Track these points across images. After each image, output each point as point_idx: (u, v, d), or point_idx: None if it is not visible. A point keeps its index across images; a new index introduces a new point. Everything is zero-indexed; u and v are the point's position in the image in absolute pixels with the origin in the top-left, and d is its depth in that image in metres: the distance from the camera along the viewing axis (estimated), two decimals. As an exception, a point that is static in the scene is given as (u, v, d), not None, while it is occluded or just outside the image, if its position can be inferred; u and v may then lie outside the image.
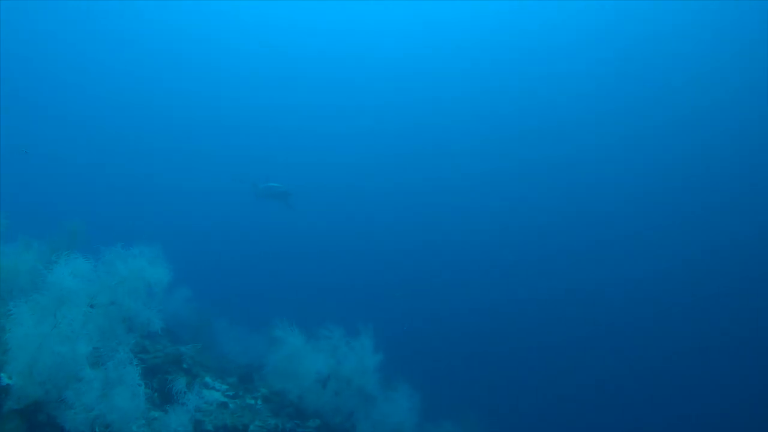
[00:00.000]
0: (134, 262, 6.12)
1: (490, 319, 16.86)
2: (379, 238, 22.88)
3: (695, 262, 22.74)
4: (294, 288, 16.28)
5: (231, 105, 34.06)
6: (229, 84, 35.09)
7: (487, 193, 28.34)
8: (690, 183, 27.55)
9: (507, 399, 12.52)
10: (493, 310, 17.53)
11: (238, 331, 10.71)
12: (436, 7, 33.53)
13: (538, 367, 14.90)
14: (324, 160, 28.11)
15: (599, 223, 25.63)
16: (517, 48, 33.39)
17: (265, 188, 13.14)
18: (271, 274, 18.05)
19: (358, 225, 22.50)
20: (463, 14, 33.48)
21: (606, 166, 29.33)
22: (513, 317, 17.21)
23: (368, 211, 25.20)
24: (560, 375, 14.65)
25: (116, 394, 4.96)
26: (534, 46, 33.11)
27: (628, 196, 27.51)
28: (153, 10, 33.14)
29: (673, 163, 28.64)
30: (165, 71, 34.38)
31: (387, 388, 8.58)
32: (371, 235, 22.83)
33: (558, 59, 33.03)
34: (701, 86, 29.79)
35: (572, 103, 32.14)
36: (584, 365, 15.36)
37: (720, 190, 26.78)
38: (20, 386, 4.58)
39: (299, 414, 7.78)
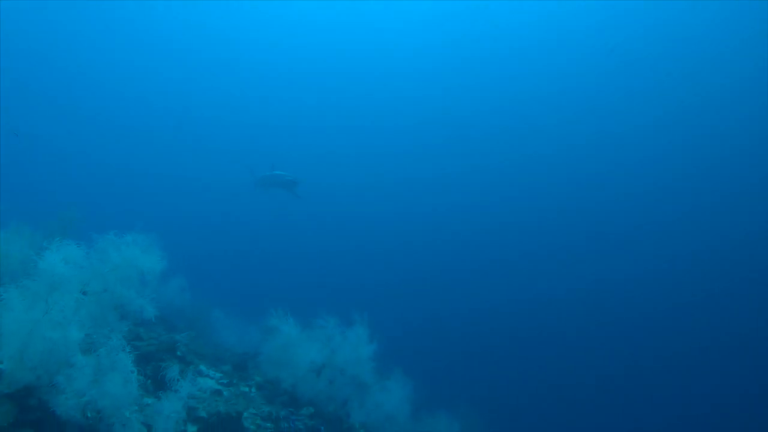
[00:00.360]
0: (127, 250, 6.11)
1: (484, 310, 16.94)
2: (375, 228, 22.93)
3: (695, 261, 22.78)
4: (290, 278, 16.33)
5: (229, 95, 33.95)
6: (228, 75, 34.96)
7: (482, 186, 28.37)
8: (691, 182, 27.45)
9: (501, 388, 12.61)
10: (488, 300, 17.61)
11: (233, 320, 10.75)
12: (442, 6, 33.27)
13: (533, 357, 15.00)
14: (319, 151, 28.07)
15: (597, 219, 25.70)
16: (522, 47, 33.22)
17: (270, 177, 12.82)
18: (267, 263, 18.07)
19: (354, 215, 22.53)
20: (466, 13, 33.26)
21: (606, 165, 29.29)
22: (508, 307, 17.29)
23: (364, 201, 25.26)
24: (555, 364, 14.75)
25: (108, 380, 4.97)
26: (539, 45, 32.95)
27: (627, 194, 27.51)
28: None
29: (675, 161, 28.55)
30: (162, 62, 34.23)
31: (381, 377, 8.64)
32: (367, 225, 22.88)
33: (559, 58, 32.91)
34: (703, 84, 29.58)
35: (574, 102, 32.02)
36: (579, 355, 15.46)
37: (722, 188, 26.68)
38: (11, 371, 4.59)
39: (293, 402, 7.82)
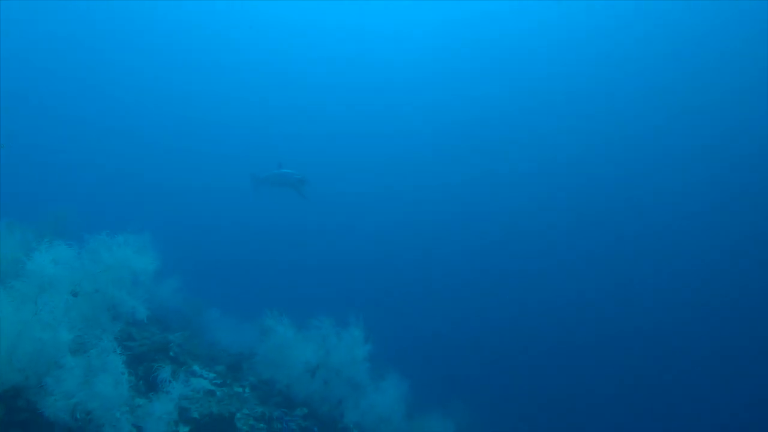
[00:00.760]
0: (119, 251, 6.09)
1: (479, 310, 16.92)
2: (371, 229, 22.86)
3: (705, 268, 22.68)
4: (286, 277, 16.29)
5: (224, 97, 33.92)
6: (226, 75, 34.92)
7: (481, 190, 28.33)
8: (704, 190, 27.09)
9: (496, 389, 12.61)
10: (483, 301, 17.59)
11: (229, 320, 10.71)
12: (450, 8, 33.17)
13: (528, 357, 14.98)
14: (314, 152, 28.02)
15: (591, 224, 25.66)
16: (533, 50, 33.12)
17: (277, 175, 12.33)
18: (264, 263, 18.03)
19: (351, 216, 22.43)
20: (474, 15, 33.18)
21: (613, 170, 29.18)
22: (503, 308, 17.28)
23: (361, 202, 25.20)
24: (549, 364, 14.74)
25: (98, 382, 4.94)
26: (551, 48, 32.86)
27: (630, 200, 27.45)
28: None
29: (688, 167, 28.17)
30: (158, 61, 34.17)
31: (376, 378, 8.63)
32: (363, 226, 22.80)
33: (564, 60, 32.81)
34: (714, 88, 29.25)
35: (582, 107, 31.79)
36: (574, 355, 15.44)
37: (730, 193, 26.40)
38: (-1, 372, 4.57)
39: (287, 402, 7.81)
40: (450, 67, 34.13)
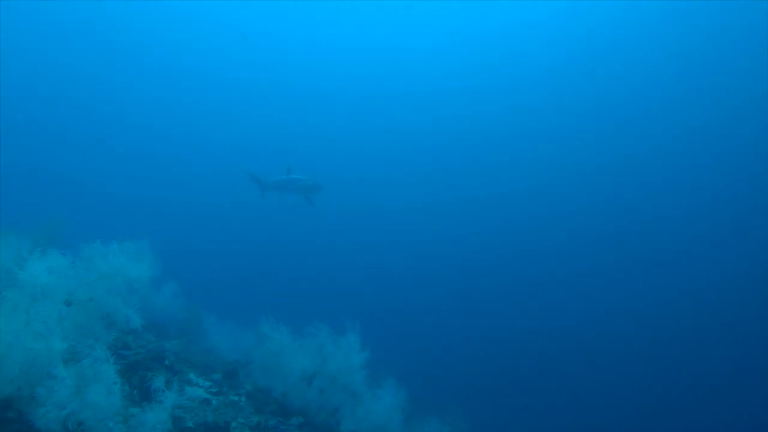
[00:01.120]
0: (114, 259, 6.05)
1: (478, 317, 16.88)
2: (369, 236, 22.82)
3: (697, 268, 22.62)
4: (284, 283, 16.27)
5: (221, 105, 33.94)
6: (222, 83, 34.94)
7: (477, 187, 28.29)
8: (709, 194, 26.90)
9: (494, 396, 12.54)
10: (482, 308, 17.56)
11: (226, 326, 10.72)
12: (457, 6, 33.15)
13: (527, 364, 14.93)
14: (311, 157, 28.04)
15: (587, 226, 25.61)
16: (534, 49, 33.04)
17: (287, 181, 11.89)
18: (262, 269, 18.00)
19: (349, 223, 22.39)
20: (480, 12, 33.11)
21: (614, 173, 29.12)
22: (501, 315, 17.25)
23: (359, 209, 25.17)
24: (548, 372, 14.68)
25: (91, 392, 4.91)
26: (549, 45, 32.78)
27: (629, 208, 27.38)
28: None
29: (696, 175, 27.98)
30: (156, 64, 34.18)
31: (373, 386, 8.59)
32: (361, 233, 22.75)
33: (567, 60, 32.73)
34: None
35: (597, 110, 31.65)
36: (572, 364, 15.38)
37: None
38: (-10, 383, 4.54)
39: (283, 411, 7.76)
40: (450, 70, 34.08)
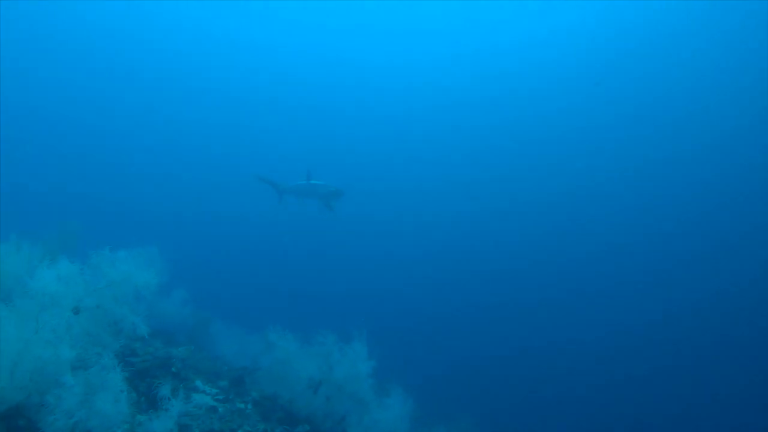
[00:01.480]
0: (122, 266, 6.12)
1: (484, 325, 16.77)
2: (377, 244, 22.77)
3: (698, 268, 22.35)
4: (292, 290, 16.28)
5: (233, 105, 34.15)
6: (229, 83, 35.17)
7: (483, 196, 28.17)
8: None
9: (501, 404, 12.42)
10: (488, 315, 17.44)
11: (234, 332, 10.76)
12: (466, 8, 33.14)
13: (534, 372, 14.78)
14: (319, 162, 28.06)
15: (600, 229, 25.38)
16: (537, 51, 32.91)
17: (307, 186, 11.54)
18: (271, 275, 18.06)
19: (356, 231, 22.28)
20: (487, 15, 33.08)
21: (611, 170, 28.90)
22: (507, 323, 17.11)
23: (367, 216, 25.14)
24: (555, 381, 14.52)
25: (98, 400, 4.95)
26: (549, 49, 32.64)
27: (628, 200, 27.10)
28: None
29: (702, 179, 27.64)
30: (168, 68, 34.52)
31: (380, 394, 8.55)
32: (369, 241, 22.70)
33: (568, 62, 32.60)
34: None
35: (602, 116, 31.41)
36: (580, 371, 15.20)
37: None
38: (0, 390, 4.59)
39: (289, 419, 7.75)
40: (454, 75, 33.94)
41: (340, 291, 17.45)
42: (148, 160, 28.40)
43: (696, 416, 14.38)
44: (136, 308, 6.16)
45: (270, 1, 34.38)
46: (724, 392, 15.24)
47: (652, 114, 30.30)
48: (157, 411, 5.63)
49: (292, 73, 35.62)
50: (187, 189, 26.54)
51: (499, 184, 28.94)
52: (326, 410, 8.10)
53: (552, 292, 20.42)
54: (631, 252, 24.17)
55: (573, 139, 31.01)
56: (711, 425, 13.98)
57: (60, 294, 5.30)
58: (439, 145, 31.51)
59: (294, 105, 34.51)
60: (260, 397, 7.99)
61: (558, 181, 28.75)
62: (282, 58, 35.99)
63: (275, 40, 35.87)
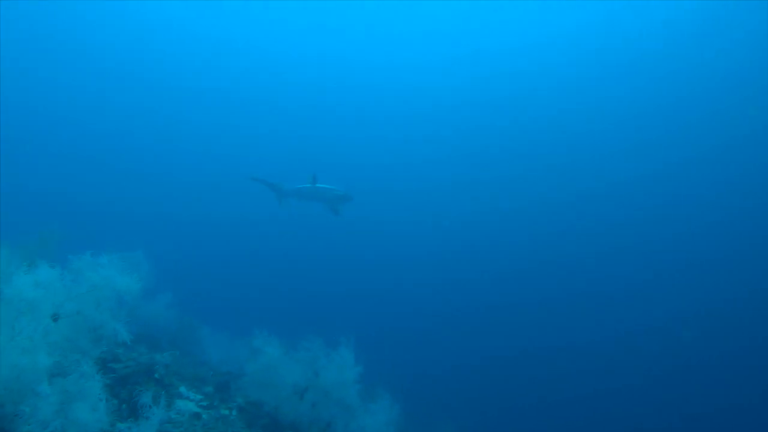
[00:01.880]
0: (103, 271, 6.01)
1: (473, 329, 16.75)
2: (363, 249, 22.60)
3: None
4: (279, 294, 16.17)
5: (226, 105, 33.87)
6: (222, 82, 34.88)
7: (471, 200, 28.16)
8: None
9: (487, 410, 12.41)
10: (476, 319, 17.43)
11: (220, 337, 10.65)
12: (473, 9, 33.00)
13: (521, 376, 14.77)
14: (306, 164, 27.94)
15: (590, 230, 25.46)
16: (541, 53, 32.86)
17: (313, 190, 11.28)
18: (259, 280, 17.92)
19: (342, 236, 22.06)
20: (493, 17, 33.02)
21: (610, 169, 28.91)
22: (496, 327, 17.11)
23: (355, 221, 25.00)
24: (544, 385, 14.52)
25: (75, 409, 4.85)
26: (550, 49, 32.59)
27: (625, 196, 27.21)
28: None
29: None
30: (163, 70, 34.21)
31: (366, 400, 8.49)
32: (355, 246, 22.48)
33: (570, 63, 32.53)
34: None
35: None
36: (571, 375, 15.22)
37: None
38: (-27, 400, 4.48)
39: (274, 425, 7.67)
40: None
41: (329, 295, 17.36)
42: (137, 162, 28.09)
43: (695, 420, 14.41)
44: (118, 314, 6.06)
45: (271, 1, 34.23)
46: (727, 396, 15.27)
47: (655, 115, 30.38)
48: (137, 419, 5.54)
49: (288, 72, 35.43)
50: (177, 191, 26.26)
51: (490, 186, 28.94)
52: (312, 417, 8.02)
53: (543, 296, 20.44)
54: (627, 254, 24.22)
55: (572, 140, 31.01)
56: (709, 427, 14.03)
57: (38, 300, 5.18)
58: (427, 146, 31.44)
59: (289, 105, 34.36)
60: (245, 403, 7.91)
61: (554, 183, 28.79)
62: (278, 57, 35.77)
63: (273, 40, 35.69)
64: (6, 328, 4.71)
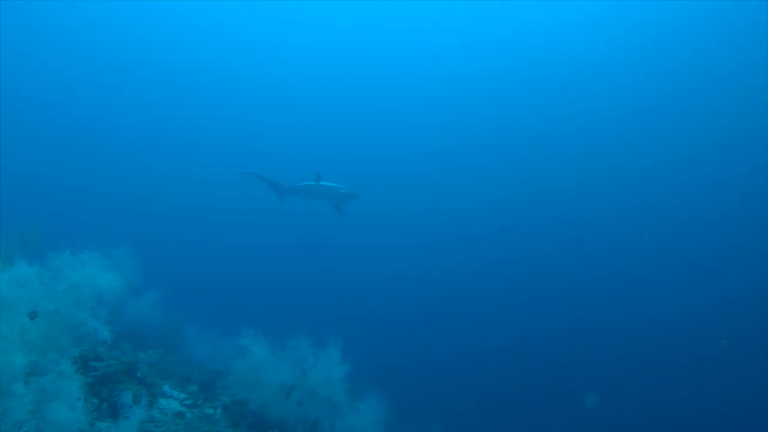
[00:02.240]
0: (83, 269, 5.91)
1: (458, 328, 16.72)
2: (351, 247, 22.41)
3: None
4: (267, 294, 16.07)
5: (204, 107, 33.52)
6: (206, 84, 34.53)
7: (458, 194, 28.07)
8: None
9: (476, 408, 12.41)
10: (465, 320, 17.41)
11: (208, 335, 10.57)
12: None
13: (509, 378, 14.76)
14: (297, 161, 27.72)
15: (575, 224, 25.48)
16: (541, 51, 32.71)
17: (317, 188, 11.00)
18: (245, 278, 17.80)
19: (331, 235, 21.88)
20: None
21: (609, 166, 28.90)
22: (483, 326, 17.09)
23: (342, 220, 24.85)
24: (531, 383, 14.52)
25: (52, 408, 4.77)
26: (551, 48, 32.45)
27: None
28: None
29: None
30: (138, 72, 33.66)
31: (353, 399, 8.45)
32: (343, 244, 22.30)
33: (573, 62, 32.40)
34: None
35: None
36: (555, 375, 15.23)
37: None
38: (-55, 400, 4.39)
39: (260, 424, 7.62)
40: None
41: (317, 292, 17.27)
42: (125, 158, 27.77)
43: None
44: (99, 312, 5.96)
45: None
46: (722, 394, 15.30)
47: (655, 115, 30.39)
48: (117, 420, 5.46)
49: (285, 66, 35.17)
50: (165, 188, 26.03)
51: (476, 181, 28.90)
52: (298, 415, 7.96)
53: (532, 293, 20.42)
54: (622, 252, 24.22)
55: (571, 138, 30.94)
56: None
57: (14, 298, 5.08)
58: (413, 143, 31.32)
59: (285, 100, 34.16)
60: (230, 402, 7.85)
61: (546, 179, 28.77)
62: (277, 52, 35.48)
63: (267, 35, 35.40)
64: (-21, 327, 4.61)
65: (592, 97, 31.82)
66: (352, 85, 34.86)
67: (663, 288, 21.32)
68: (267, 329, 8.21)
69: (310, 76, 35.08)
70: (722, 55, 29.12)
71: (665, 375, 16.82)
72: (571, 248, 24.51)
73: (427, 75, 34.16)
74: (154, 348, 8.69)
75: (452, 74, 33.87)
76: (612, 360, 16.97)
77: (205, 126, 32.25)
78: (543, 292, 20.60)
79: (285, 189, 11.60)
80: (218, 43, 35.02)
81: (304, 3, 34.13)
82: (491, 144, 31.62)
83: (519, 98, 32.47)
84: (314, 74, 35.12)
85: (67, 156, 26.99)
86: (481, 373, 14.57)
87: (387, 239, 23.70)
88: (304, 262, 20.57)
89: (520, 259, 23.02)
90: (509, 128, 31.95)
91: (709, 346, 17.80)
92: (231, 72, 34.88)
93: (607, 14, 30.67)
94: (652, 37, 30.54)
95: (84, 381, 5.75)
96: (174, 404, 7.24)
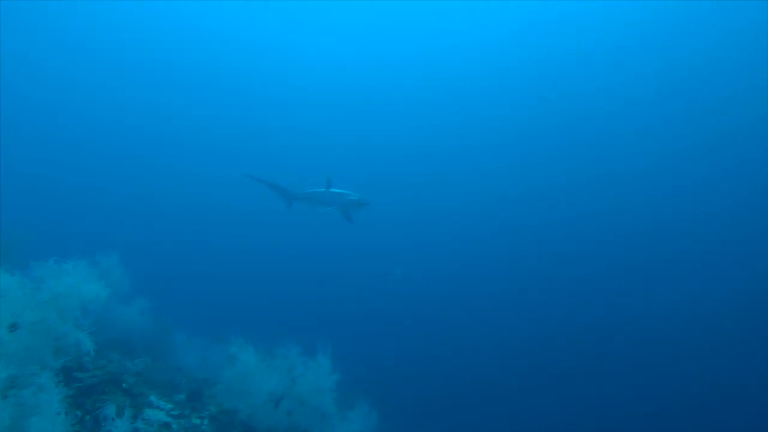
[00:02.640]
0: (67, 278, 5.82)
1: (450, 337, 16.66)
2: (342, 255, 22.27)
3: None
4: (258, 300, 15.95)
5: (198, 110, 33.33)
6: (197, 87, 34.34)
7: (446, 196, 28.02)
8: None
9: (468, 417, 12.34)
10: (455, 328, 17.35)
11: (197, 343, 10.46)
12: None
13: (499, 385, 14.70)
14: (297, 162, 27.65)
15: (575, 224, 25.49)
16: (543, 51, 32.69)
17: (327, 195, 10.80)
18: (235, 285, 17.66)
19: (321, 242, 21.71)
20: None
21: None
22: (475, 334, 17.04)
23: (333, 227, 24.77)
24: (523, 390, 14.47)
25: (31, 424, 4.67)
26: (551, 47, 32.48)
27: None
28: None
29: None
30: (131, 74, 33.42)
31: (344, 407, 8.38)
32: (333, 252, 22.15)
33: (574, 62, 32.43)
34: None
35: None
36: (548, 381, 15.20)
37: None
38: None
39: (248, 435, 7.52)
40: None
41: (308, 299, 17.16)
42: (116, 164, 27.49)
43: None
44: (82, 323, 5.86)
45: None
46: (717, 393, 15.29)
47: (655, 114, 30.47)
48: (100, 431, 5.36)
49: (282, 68, 35.04)
50: (155, 195, 25.77)
51: (466, 182, 28.86)
52: (287, 425, 7.87)
53: (533, 293, 20.38)
54: (616, 249, 24.22)
55: (569, 139, 30.96)
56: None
57: (-6, 310, 4.97)
58: (405, 144, 31.27)
59: (284, 103, 34.03)
60: (218, 411, 7.75)
61: (542, 177, 28.77)
62: (276, 55, 35.35)
63: (268, 36, 35.24)
64: (-44, 340, 4.51)
65: (592, 97, 31.93)
66: (352, 85, 34.84)
67: (663, 288, 21.37)
68: (256, 336, 8.12)
69: (310, 76, 35.00)
70: (722, 55, 29.33)
71: (665, 375, 16.84)
72: (571, 248, 24.49)
73: (427, 75, 34.18)
74: (142, 356, 8.60)
75: (452, 74, 33.92)
76: (612, 360, 16.97)
77: (205, 126, 32.06)
78: (543, 292, 20.57)
79: (293, 195, 11.31)
80: (218, 43, 34.89)
81: (308, 4, 34.11)
82: (491, 144, 31.64)
83: (519, 98, 32.53)
84: (314, 74, 35.05)
85: (66, 156, 26.76)
86: (473, 379, 14.51)
87: (383, 240, 23.57)
88: (296, 264, 20.45)
89: (520, 259, 22.99)
90: (509, 128, 32.02)
91: (709, 346, 17.84)
92: (231, 72, 34.75)
93: (607, 14, 30.85)
94: (652, 37, 30.73)
95: (66, 393, 5.65)
96: (160, 415, 7.15)
